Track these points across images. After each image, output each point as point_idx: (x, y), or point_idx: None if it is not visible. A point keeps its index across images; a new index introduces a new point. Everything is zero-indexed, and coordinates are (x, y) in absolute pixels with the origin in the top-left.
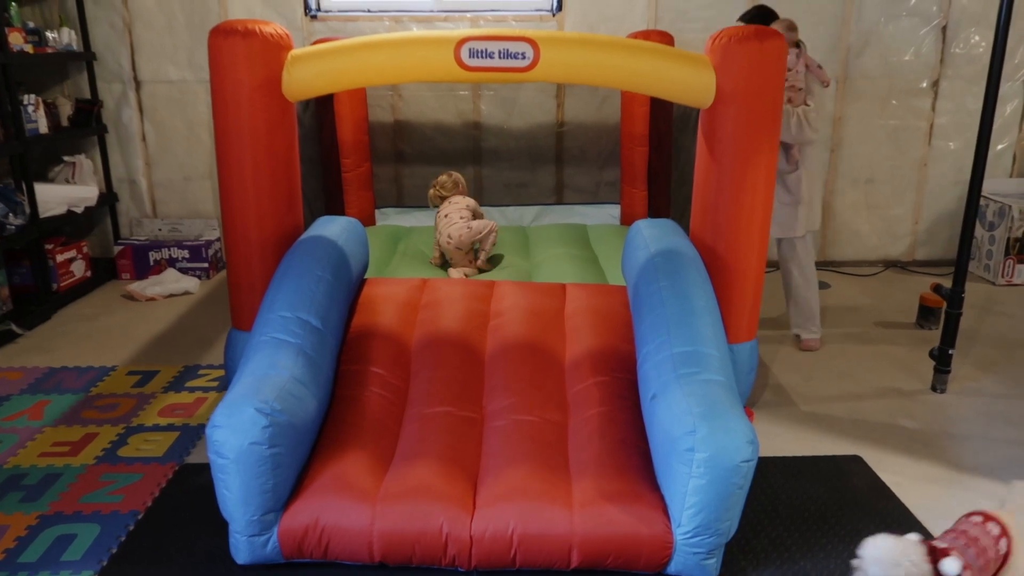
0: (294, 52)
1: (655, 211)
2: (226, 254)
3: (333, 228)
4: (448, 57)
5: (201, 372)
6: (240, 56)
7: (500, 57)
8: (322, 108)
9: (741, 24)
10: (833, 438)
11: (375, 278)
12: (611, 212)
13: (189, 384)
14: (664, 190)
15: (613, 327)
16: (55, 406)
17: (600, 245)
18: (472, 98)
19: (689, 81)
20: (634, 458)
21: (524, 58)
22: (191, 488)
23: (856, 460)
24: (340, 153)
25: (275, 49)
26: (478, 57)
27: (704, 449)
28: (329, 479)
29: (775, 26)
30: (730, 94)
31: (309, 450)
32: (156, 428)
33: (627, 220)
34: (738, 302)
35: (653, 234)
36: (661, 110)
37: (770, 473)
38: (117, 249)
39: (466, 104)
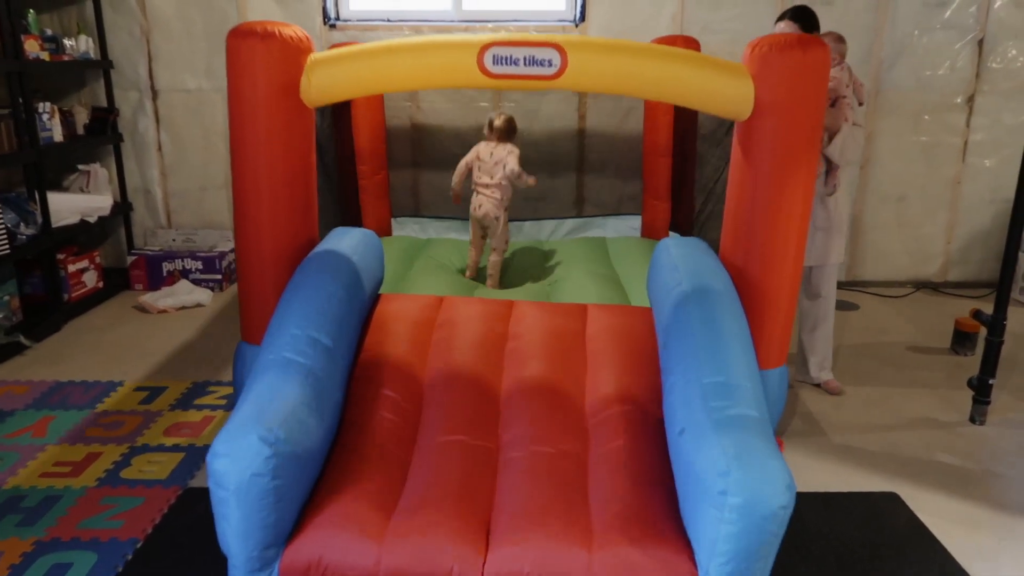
0: (314, 56)
1: (677, 224)
2: (238, 264)
3: (348, 241)
4: (471, 63)
5: (210, 389)
6: (258, 58)
7: (525, 64)
8: (339, 114)
9: (782, 23)
10: (867, 472)
11: (390, 294)
12: (631, 224)
13: (197, 402)
14: (687, 203)
15: (637, 351)
16: (59, 423)
17: (621, 261)
18: (493, 109)
19: (726, 91)
20: (658, 496)
21: (551, 65)
22: (193, 515)
23: (892, 498)
24: (357, 160)
25: (295, 52)
26: (502, 64)
27: (738, 493)
28: (334, 513)
29: (823, 38)
30: (769, 106)
31: (314, 480)
32: (161, 448)
33: (648, 232)
34: (770, 326)
35: (681, 254)
36: (686, 120)
37: (802, 509)
38: (130, 259)
39: (486, 116)
